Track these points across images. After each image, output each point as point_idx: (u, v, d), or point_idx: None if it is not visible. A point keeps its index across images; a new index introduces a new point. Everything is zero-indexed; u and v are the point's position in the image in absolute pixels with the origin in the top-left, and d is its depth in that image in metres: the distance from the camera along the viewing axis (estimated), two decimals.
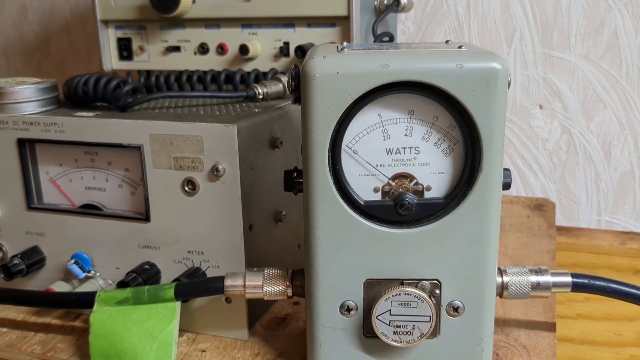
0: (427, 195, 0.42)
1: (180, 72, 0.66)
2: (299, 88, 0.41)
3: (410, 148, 0.42)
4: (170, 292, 0.47)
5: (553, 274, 0.47)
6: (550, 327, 0.53)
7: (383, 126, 0.42)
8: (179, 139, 0.48)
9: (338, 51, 0.42)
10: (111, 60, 0.77)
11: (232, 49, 0.71)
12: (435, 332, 0.44)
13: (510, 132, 0.89)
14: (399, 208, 0.42)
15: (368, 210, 0.42)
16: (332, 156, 0.41)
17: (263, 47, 0.70)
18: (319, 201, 0.42)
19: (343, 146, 0.42)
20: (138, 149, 0.49)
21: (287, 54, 0.69)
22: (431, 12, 0.89)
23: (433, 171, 0.42)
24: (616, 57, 0.83)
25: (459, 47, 0.42)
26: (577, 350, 0.83)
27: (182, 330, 0.53)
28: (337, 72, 0.39)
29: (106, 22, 0.76)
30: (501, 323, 0.53)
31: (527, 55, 0.86)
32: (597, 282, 0.47)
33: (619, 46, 0.82)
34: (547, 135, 0.88)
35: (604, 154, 0.86)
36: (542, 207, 0.81)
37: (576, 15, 0.83)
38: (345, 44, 0.45)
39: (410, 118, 0.41)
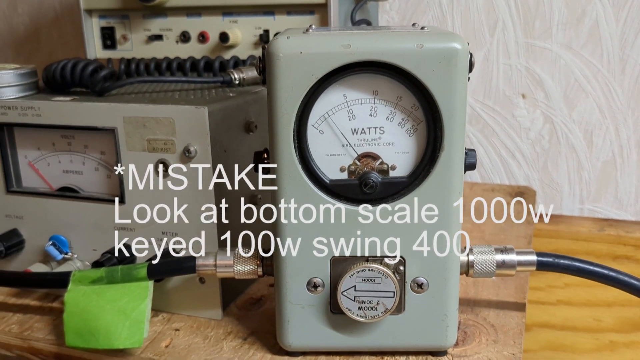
0: (392, 174, 0.43)
1: (160, 60, 0.67)
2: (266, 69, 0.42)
3: (375, 128, 0.43)
4: (143, 272, 0.48)
5: (518, 253, 0.47)
6: (520, 307, 0.54)
7: (348, 106, 0.42)
8: (152, 122, 0.49)
9: (304, 32, 0.43)
10: (95, 50, 0.77)
11: (213, 37, 0.72)
12: (400, 307, 0.45)
13: (493, 122, 0.90)
14: (364, 187, 0.43)
15: (334, 189, 0.43)
16: (298, 135, 0.42)
17: (243, 35, 0.71)
18: (285, 180, 0.43)
19: (309, 126, 0.42)
20: (112, 131, 0.50)
21: (267, 42, 0.70)
22: (415, 1, 0.89)
23: (397, 151, 0.43)
24: (597, 46, 0.83)
25: (422, 28, 0.43)
26: (558, 336, 0.84)
27: (157, 311, 0.54)
28: (301, 52, 0.40)
29: (90, 12, 0.76)
30: (472, 303, 0.54)
31: (509, 44, 0.87)
32: (562, 261, 0.47)
33: (600, 35, 0.83)
34: (529, 125, 0.88)
35: (586, 143, 0.87)
36: (522, 194, 0.82)
37: (558, 4, 0.83)
38: (313, 26, 0.46)
39: (374, 98, 0.42)
